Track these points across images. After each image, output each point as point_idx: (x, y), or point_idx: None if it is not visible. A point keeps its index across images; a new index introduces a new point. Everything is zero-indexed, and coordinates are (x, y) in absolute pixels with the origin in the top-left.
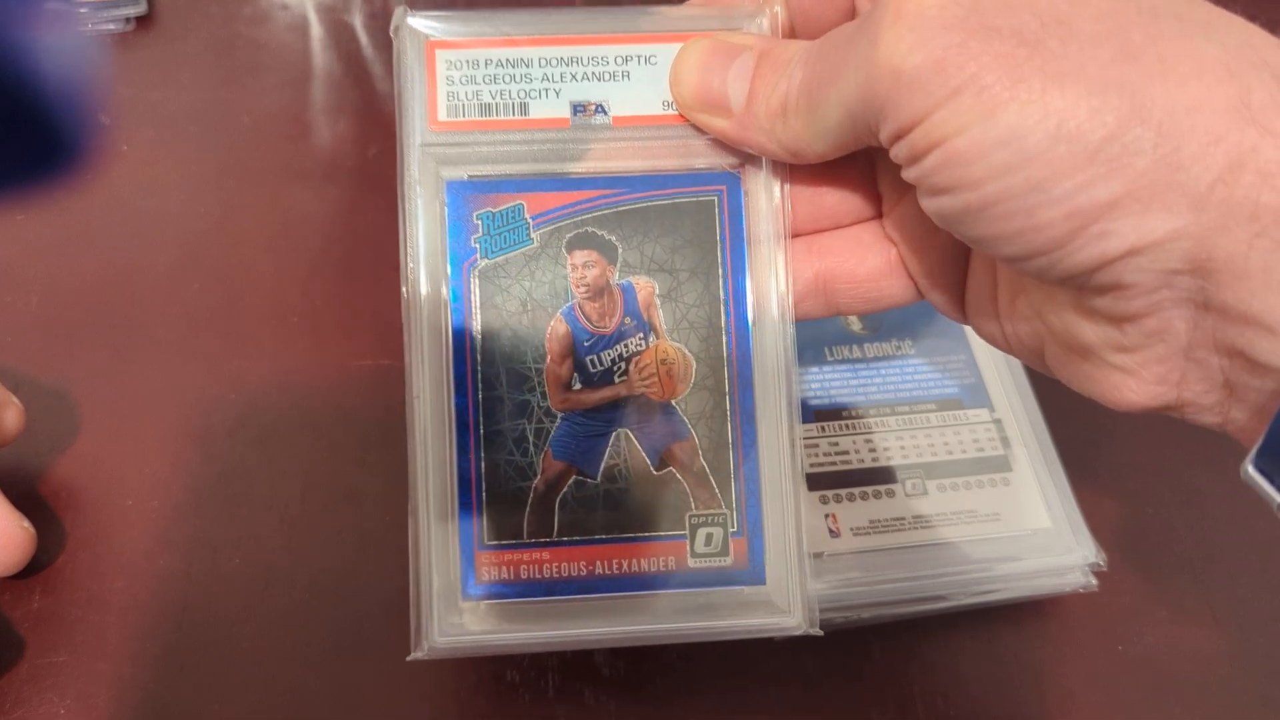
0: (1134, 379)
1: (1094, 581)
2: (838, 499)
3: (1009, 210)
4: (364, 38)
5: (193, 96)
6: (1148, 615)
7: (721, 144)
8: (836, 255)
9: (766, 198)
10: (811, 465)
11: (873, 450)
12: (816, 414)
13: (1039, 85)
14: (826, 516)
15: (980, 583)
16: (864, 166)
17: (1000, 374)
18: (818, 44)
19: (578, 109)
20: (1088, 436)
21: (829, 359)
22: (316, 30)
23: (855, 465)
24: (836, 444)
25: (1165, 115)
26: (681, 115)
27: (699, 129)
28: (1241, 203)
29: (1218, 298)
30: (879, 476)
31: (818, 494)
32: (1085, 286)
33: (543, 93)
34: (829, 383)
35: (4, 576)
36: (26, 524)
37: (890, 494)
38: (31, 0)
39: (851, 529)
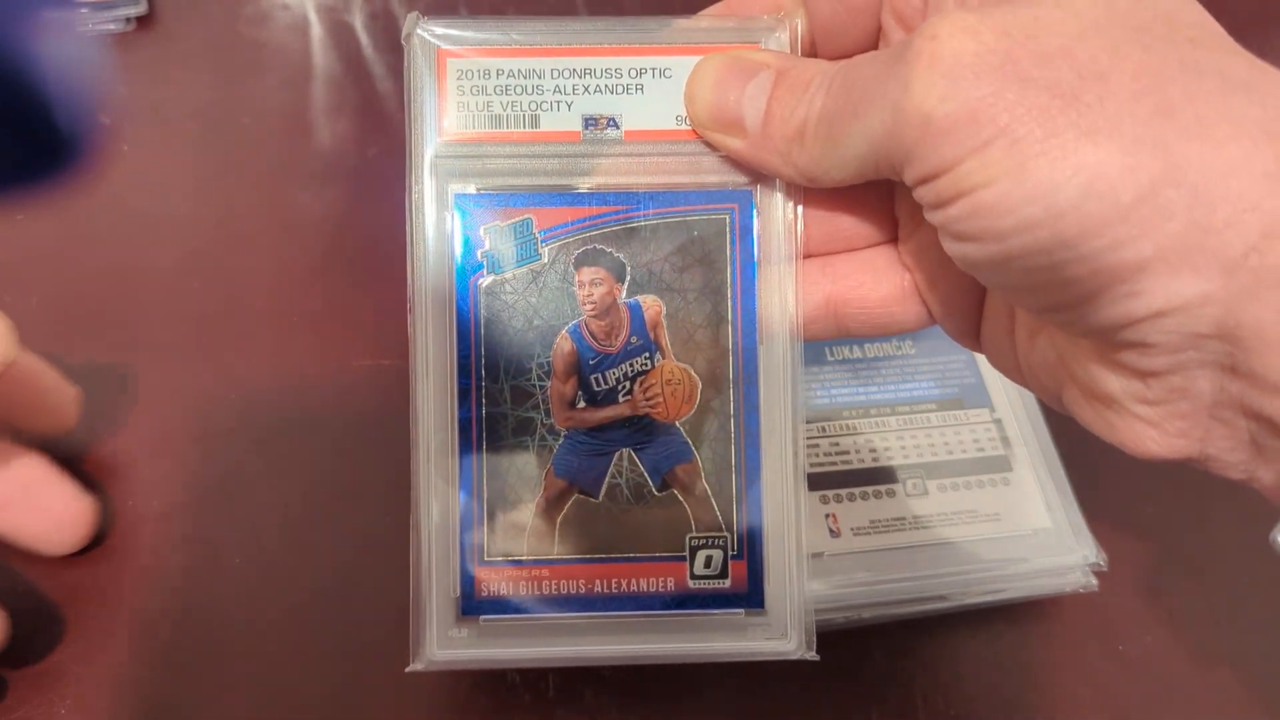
0: (1156, 430)
1: (1094, 581)
2: (838, 499)
3: (1035, 264)
4: (364, 38)
5: (193, 96)
6: (1148, 615)
7: (735, 162)
8: (849, 279)
9: (779, 217)
10: (812, 465)
11: (873, 450)
12: (817, 414)
13: (1072, 140)
14: (827, 516)
15: (980, 583)
16: (881, 191)
17: (1000, 374)
18: (842, 71)
19: (589, 122)
20: (1088, 436)
21: (829, 359)
22: (317, 30)
23: (855, 465)
24: (837, 444)
25: (1200, 178)
26: (695, 131)
27: (712, 146)
28: (1274, 270)
29: (1245, 364)
30: (879, 476)
31: (818, 494)
32: (1109, 341)
33: (554, 105)
34: (829, 383)
35: (67, 554)
36: (89, 499)
37: (890, 494)
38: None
39: (852, 529)
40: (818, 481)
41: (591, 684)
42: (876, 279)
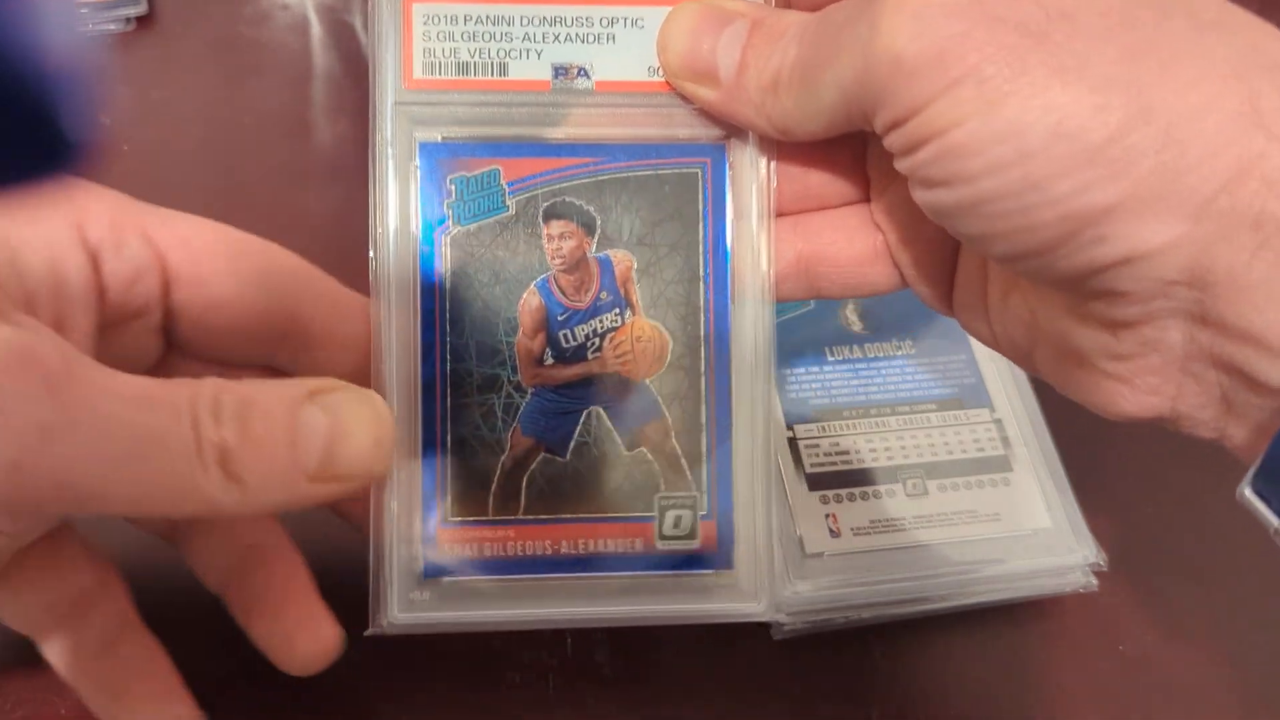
0: (1127, 387)
1: (1094, 581)
2: (838, 499)
3: (1004, 209)
4: (364, 38)
5: (193, 96)
6: (1148, 615)
7: (708, 115)
8: (821, 237)
9: (752, 173)
10: (812, 465)
11: (873, 450)
12: (817, 414)
13: (1041, 79)
14: (827, 516)
15: (981, 583)
16: (854, 148)
17: (1000, 374)
18: (815, 20)
19: (559, 71)
20: (1088, 436)
21: (829, 359)
22: (317, 30)
23: (855, 465)
24: (837, 444)
25: (1171, 118)
26: (668, 83)
27: (686, 98)
28: (1244, 212)
29: (1215, 311)
30: (879, 476)
31: (818, 494)
32: (1079, 290)
33: (523, 53)
34: (829, 383)
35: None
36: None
37: (891, 494)
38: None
39: (852, 529)
40: (818, 481)
41: (592, 684)
42: (849, 238)
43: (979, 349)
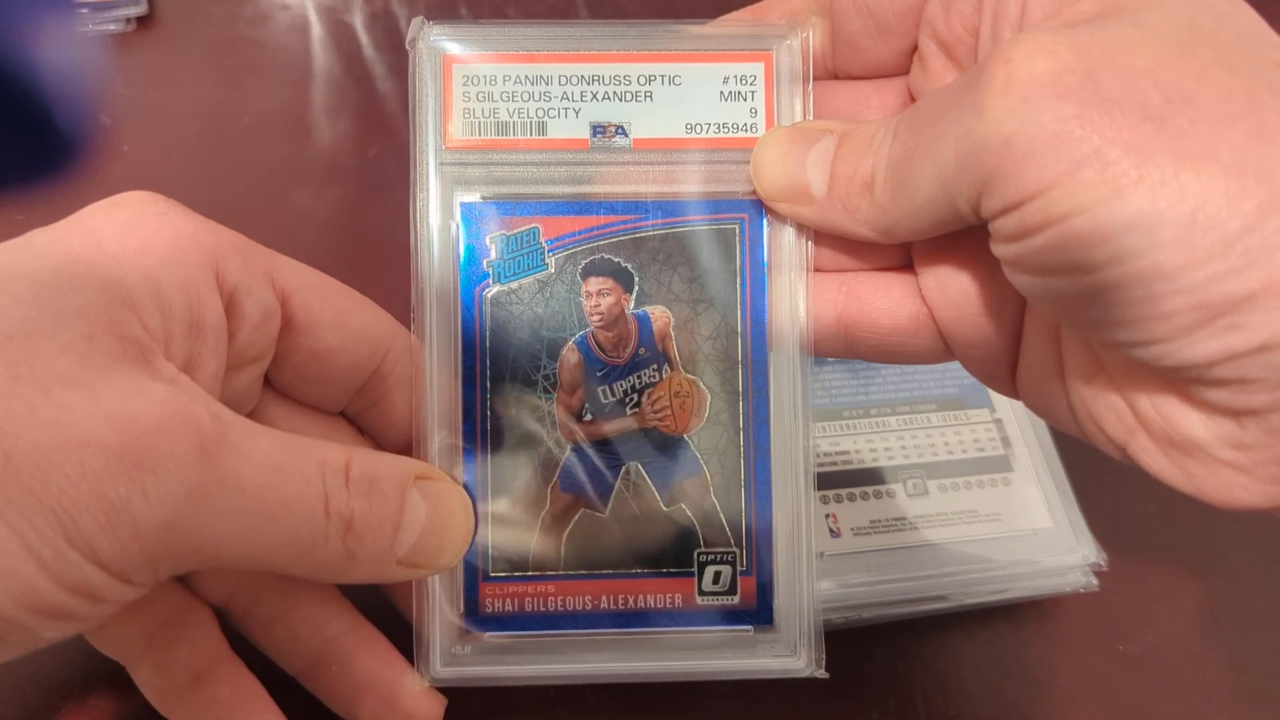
0: (1248, 477)
1: (1094, 581)
2: (838, 499)
3: (1129, 297)
4: (364, 38)
5: (193, 96)
6: (1148, 615)
7: (746, 169)
8: (863, 300)
9: (791, 227)
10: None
11: (873, 450)
12: (817, 414)
13: (1170, 165)
14: (827, 516)
15: (980, 583)
16: None
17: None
18: (907, 115)
19: (598, 130)
20: None
21: (829, 359)
22: (317, 30)
23: (856, 465)
24: (837, 444)
25: None
26: (705, 140)
27: (722, 152)
28: None
29: None
30: (879, 476)
31: (819, 494)
32: (1202, 378)
33: (562, 112)
34: (829, 382)
35: None
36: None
37: (891, 494)
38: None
39: (852, 529)
40: (818, 481)
41: (592, 684)
42: (891, 305)
43: None
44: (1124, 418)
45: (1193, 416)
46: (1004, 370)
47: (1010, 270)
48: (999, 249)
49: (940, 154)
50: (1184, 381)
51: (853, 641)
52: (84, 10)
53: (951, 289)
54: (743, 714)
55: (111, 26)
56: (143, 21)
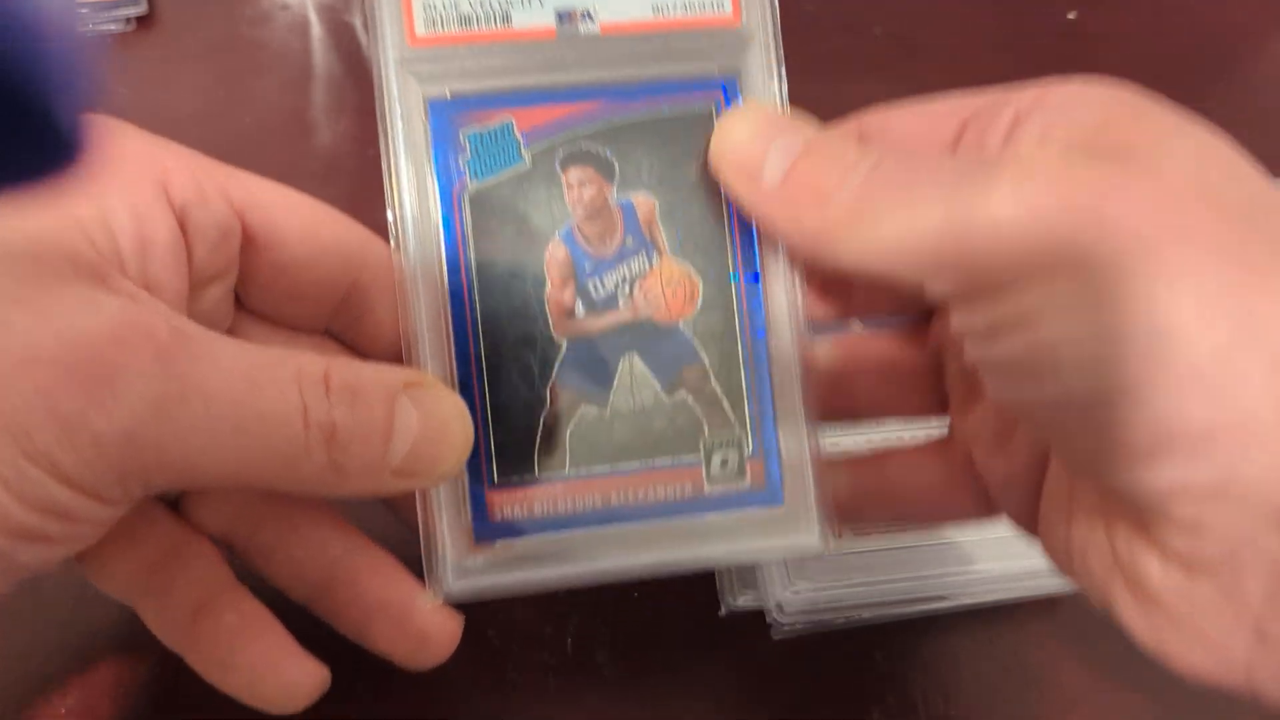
0: (1202, 645)
1: None
2: None
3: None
4: (364, 38)
5: (193, 96)
6: None
7: (716, 48)
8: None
9: (765, 97)
10: None
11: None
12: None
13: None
14: None
15: (980, 582)
16: (932, 361)
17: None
18: (897, 154)
19: (563, 17)
20: None
21: None
22: (317, 30)
23: None
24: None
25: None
26: (673, 21)
27: (691, 33)
28: None
29: None
30: None
31: None
32: (1160, 510)
33: (525, 1)
34: None
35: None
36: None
37: None
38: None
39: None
40: None
41: (592, 684)
42: (922, 469)
43: None
44: (1105, 556)
45: (1152, 560)
46: (1029, 510)
47: (997, 388)
48: (976, 348)
49: (922, 210)
50: (1146, 513)
51: (853, 641)
52: (84, 10)
53: (986, 433)
54: (742, 714)
55: (111, 26)
56: (143, 21)
